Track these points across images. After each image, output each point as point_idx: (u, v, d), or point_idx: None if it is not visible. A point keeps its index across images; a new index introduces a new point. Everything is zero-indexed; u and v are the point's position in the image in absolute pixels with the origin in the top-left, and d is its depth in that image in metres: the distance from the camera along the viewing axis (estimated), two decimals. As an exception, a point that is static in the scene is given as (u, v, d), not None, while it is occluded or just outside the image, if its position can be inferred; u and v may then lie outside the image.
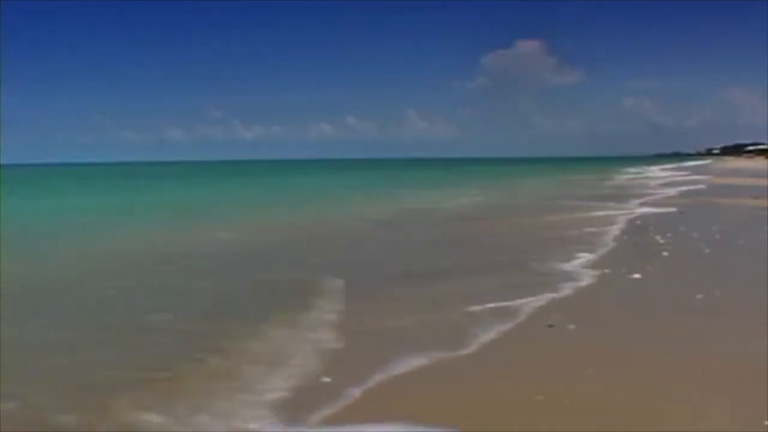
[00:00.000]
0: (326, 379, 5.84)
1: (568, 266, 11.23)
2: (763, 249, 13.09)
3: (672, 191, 33.18)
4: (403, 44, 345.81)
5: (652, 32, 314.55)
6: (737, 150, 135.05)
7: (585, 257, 12.08)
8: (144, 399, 5.44)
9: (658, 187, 37.97)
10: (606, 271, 10.69)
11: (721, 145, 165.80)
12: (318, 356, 6.47)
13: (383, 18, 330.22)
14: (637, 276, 10.23)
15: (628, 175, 59.39)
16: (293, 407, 5.25)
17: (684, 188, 35.23)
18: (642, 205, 24.43)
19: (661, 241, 14.14)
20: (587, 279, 10.13)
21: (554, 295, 9.02)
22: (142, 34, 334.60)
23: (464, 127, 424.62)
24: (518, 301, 8.52)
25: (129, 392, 5.59)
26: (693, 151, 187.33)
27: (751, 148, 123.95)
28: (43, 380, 6.06)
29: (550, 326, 7.45)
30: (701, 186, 37.05)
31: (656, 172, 65.30)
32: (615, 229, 16.38)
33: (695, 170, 64.76)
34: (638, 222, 18.28)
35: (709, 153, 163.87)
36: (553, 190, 36.89)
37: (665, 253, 12.56)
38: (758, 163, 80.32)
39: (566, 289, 9.37)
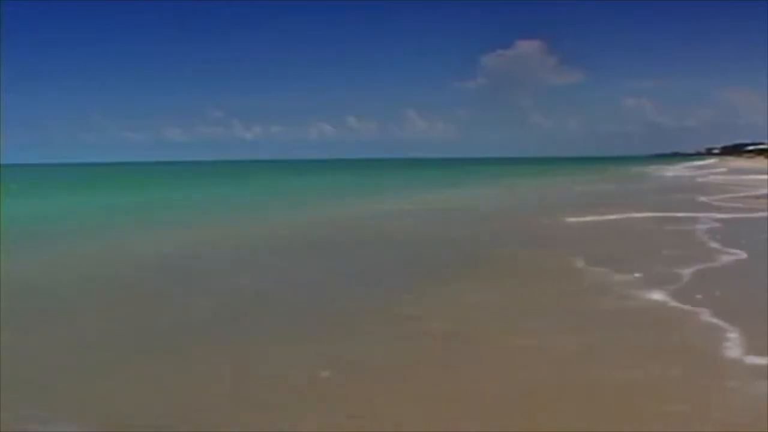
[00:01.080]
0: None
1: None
2: None
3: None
4: (403, 44, 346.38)
5: (652, 32, 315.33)
6: (737, 150, 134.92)
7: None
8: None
9: (737, 187, 33.10)
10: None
11: (721, 144, 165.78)
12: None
13: (383, 18, 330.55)
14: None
15: (666, 172, 57.79)
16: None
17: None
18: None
19: None
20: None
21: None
22: (143, 34, 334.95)
23: (464, 127, 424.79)
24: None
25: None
26: (693, 151, 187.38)
27: (751, 147, 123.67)
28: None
29: None
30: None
31: (683, 171, 62.70)
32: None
33: (734, 170, 57.63)
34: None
35: (708, 153, 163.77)
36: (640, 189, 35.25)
37: None
38: (759, 162, 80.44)
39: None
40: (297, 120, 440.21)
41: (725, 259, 11.55)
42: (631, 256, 11.74)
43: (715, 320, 7.36)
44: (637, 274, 9.98)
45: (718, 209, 20.65)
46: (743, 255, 11.80)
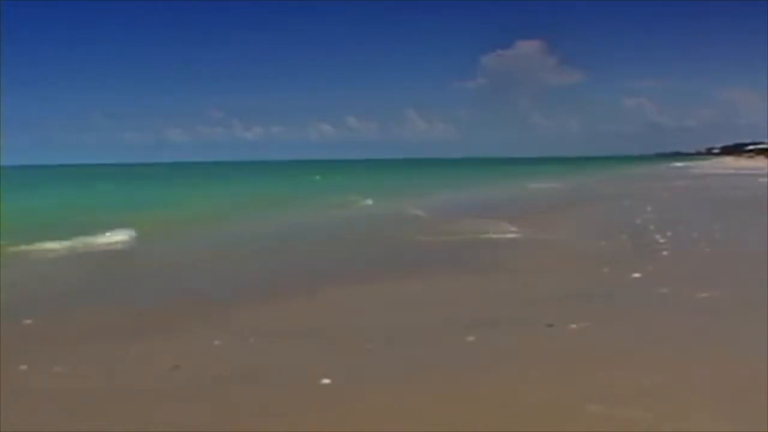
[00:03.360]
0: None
1: None
2: None
3: None
4: (403, 44, 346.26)
5: (652, 32, 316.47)
6: (738, 149, 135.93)
7: None
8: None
9: None
10: None
11: (721, 144, 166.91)
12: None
13: (383, 18, 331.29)
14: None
15: (700, 170, 56.85)
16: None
17: None
18: None
19: None
20: None
21: None
22: (143, 35, 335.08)
23: (464, 127, 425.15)
24: None
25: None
26: (693, 151, 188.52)
27: (751, 147, 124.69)
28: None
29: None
30: None
31: (712, 169, 61.66)
32: None
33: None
34: None
35: (709, 152, 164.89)
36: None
37: None
38: (760, 162, 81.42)
39: None
40: (297, 120, 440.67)
41: None
42: None
43: None
44: None
45: None
46: None
